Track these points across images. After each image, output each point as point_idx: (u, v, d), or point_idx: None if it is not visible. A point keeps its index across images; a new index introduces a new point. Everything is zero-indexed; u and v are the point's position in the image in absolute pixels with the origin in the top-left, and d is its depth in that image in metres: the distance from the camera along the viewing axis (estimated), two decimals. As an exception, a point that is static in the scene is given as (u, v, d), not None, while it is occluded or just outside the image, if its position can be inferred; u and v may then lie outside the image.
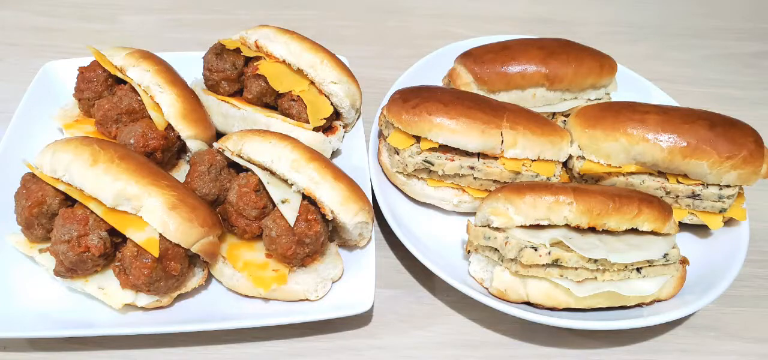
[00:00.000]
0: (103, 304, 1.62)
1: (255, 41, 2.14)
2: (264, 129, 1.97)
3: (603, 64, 2.30)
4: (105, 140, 1.77)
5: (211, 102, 2.13)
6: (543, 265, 1.68)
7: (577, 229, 1.73)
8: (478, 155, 1.95)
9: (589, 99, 2.34)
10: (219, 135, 2.09)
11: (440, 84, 2.39)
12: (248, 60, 2.15)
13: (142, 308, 1.64)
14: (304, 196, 1.73)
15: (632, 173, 1.96)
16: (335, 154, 2.17)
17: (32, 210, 1.62)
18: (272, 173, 1.77)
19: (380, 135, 2.15)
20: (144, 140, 1.85)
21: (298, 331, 1.73)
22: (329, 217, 1.71)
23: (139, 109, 1.95)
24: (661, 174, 1.95)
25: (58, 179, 1.65)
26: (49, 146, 1.70)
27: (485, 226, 1.77)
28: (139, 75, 1.99)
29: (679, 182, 1.93)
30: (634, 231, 1.75)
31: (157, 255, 1.53)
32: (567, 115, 2.25)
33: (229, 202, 1.75)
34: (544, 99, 2.28)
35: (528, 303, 1.73)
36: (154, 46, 2.21)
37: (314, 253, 1.72)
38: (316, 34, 2.28)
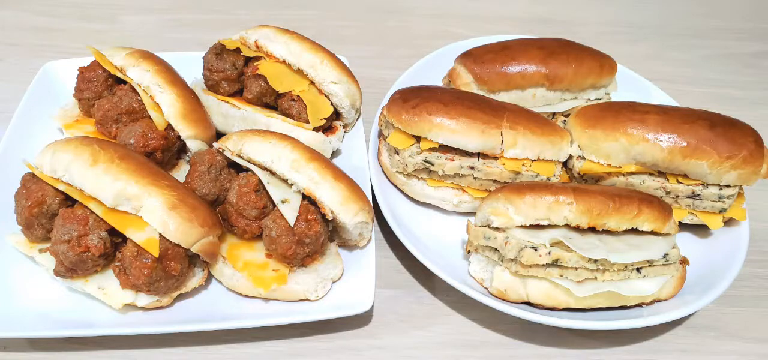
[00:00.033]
0: (103, 304, 1.62)
1: (255, 41, 2.14)
2: (264, 129, 1.97)
3: (603, 64, 2.30)
4: (105, 140, 1.77)
5: (211, 102, 2.13)
6: (543, 265, 1.68)
7: (577, 229, 1.73)
8: (478, 155, 1.95)
9: (589, 99, 2.34)
10: (219, 135, 2.09)
11: (440, 84, 2.39)
12: (248, 60, 2.15)
13: (142, 308, 1.64)
14: (304, 196, 1.73)
15: (632, 173, 1.96)
16: (335, 154, 2.17)
17: (32, 210, 1.62)
18: (272, 173, 1.77)
19: (380, 135, 2.15)
20: (144, 140, 1.85)
21: (298, 331, 1.73)
22: (329, 217, 1.71)
23: (139, 109, 1.95)
24: (661, 174, 1.95)
25: (58, 179, 1.65)
26: (49, 146, 1.70)
27: (485, 226, 1.77)
28: (139, 75, 1.99)
29: (679, 182, 1.93)
30: (634, 231, 1.75)
31: (157, 255, 1.53)
32: (567, 115, 2.25)
33: (229, 202, 1.75)
34: (544, 99, 2.28)
35: (528, 303, 1.73)
36: (154, 46, 2.21)
37: (314, 253, 1.72)
38: (316, 34, 2.28)
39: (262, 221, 1.72)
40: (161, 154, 1.90)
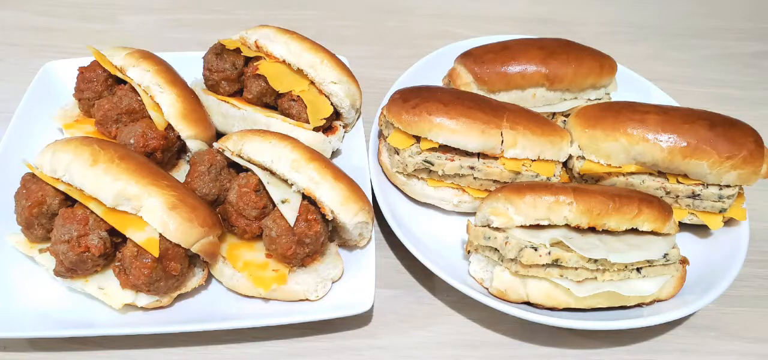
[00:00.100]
0: (103, 304, 1.62)
1: (255, 41, 2.14)
2: (264, 129, 1.97)
3: (603, 64, 2.30)
4: (105, 140, 1.77)
5: (211, 102, 2.13)
6: (543, 265, 1.68)
7: (577, 229, 1.73)
8: (478, 155, 1.95)
9: (589, 99, 2.34)
10: (219, 135, 2.09)
11: (440, 84, 2.39)
12: (248, 60, 2.15)
13: (142, 308, 1.64)
14: (304, 196, 1.73)
15: (632, 173, 1.96)
16: (335, 154, 2.17)
17: (32, 210, 1.62)
18: (272, 173, 1.77)
19: (380, 135, 2.15)
20: (144, 140, 1.85)
21: (298, 331, 1.73)
22: (329, 217, 1.71)
23: (139, 109, 1.95)
24: (661, 174, 1.95)
25: (58, 179, 1.65)
26: (49, 146, 1.70)
27: (485, 226, 1.77)
28: (139, 75, 1.99)
29: (679, 182, 1.93)
30: (634, 231, 1.75)
31: (157, 255, 1.53)
32: (567, 115, 2.25)
33: (229, 202, 1.75)
34: (544, 99, 2.28)
35: (528, 303, 1.73)
36: (154, 46, 2.21)
37: (314, 253, 1.72)
38: (316, 34, 2.28)
39: (262, 221, 1.72)
40: (161, 154, 1.90)
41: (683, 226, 2.00)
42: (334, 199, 1.71)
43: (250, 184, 1.73)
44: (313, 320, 1.66)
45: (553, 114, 2.31)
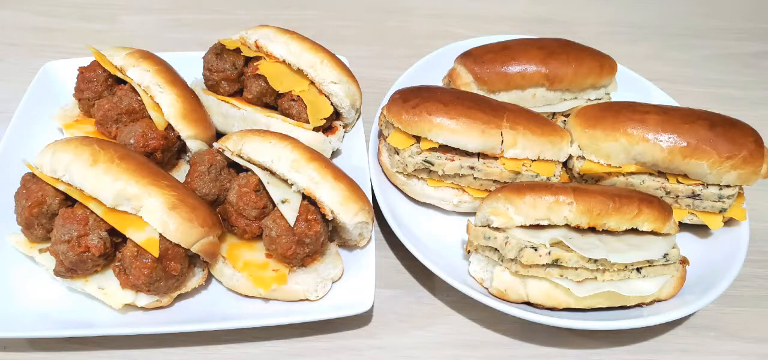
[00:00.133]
0: (103, 304, 1.62)
1: (255, 41, 2.14)
2: (264, 129, 1.97)
3: (603, 64, 2.30)
4: (105, 140, 1.77)
5: (211, 102, 2.13)
6: (543, 265, 1.68)
7: (577, 229, 1.73)
8: (478, 155, 1.95)
9: (589, 99, 2.34)
10: (219, 135, 2.09)
11: (440, 84, 2.39)
12: (248, 60, 2.15)
13: (142, 308, 1.64)
14: (304, 196, 1.73)
15: (632, 173, 1.96)
16: (335, 154, 2.17)
17: (32, 210, 1.62)
18: (272, 173, 1.77)
19: (380, 135, 2.15)
20: (144, 140, 1.85)
21: (298, 331, 1.73)
22: (329, 217, 1.71)
23: (139, 109, 1.95)
24: (661, 174, 1.95)
25: (58, 179, 1.65)
26: (49, 146, 1.70)
27: (485, 226, 1.77)
28: (139, 75, 1.99)
29: (679, 182, 1.93)
30: (634, 231, 1.75)
31: (157, 255, 1.53)
32: (567, 115, 2.25)
33: (229, 202, 1.75)
34: (544, 99, 2.28)
35: (528, 303, 1.73)
36: (154, 46, 2.21)
37: (314, 253, 1.72)
38: (316, 34, 2.28)
39: (262, 221, 1.72)
40: (161, 154, 1.90)
41: (683, 226, 2.00)
42: (334, 199, 1.71)
43: (250, 184, 1.73)
44: (313, 320, 1.66)
45: (553, 114, 2.31)
